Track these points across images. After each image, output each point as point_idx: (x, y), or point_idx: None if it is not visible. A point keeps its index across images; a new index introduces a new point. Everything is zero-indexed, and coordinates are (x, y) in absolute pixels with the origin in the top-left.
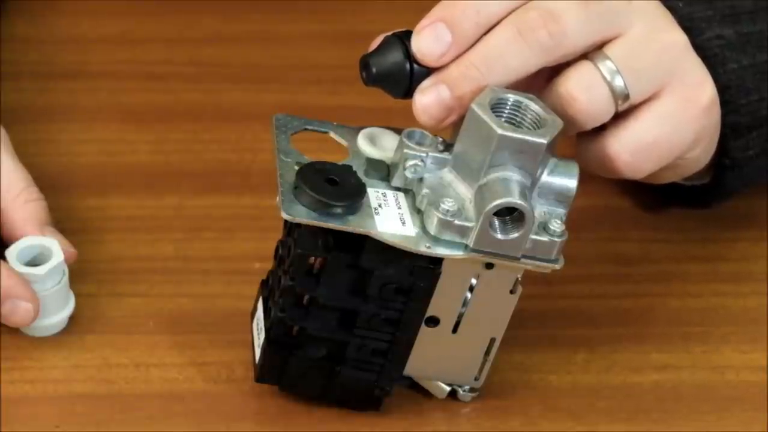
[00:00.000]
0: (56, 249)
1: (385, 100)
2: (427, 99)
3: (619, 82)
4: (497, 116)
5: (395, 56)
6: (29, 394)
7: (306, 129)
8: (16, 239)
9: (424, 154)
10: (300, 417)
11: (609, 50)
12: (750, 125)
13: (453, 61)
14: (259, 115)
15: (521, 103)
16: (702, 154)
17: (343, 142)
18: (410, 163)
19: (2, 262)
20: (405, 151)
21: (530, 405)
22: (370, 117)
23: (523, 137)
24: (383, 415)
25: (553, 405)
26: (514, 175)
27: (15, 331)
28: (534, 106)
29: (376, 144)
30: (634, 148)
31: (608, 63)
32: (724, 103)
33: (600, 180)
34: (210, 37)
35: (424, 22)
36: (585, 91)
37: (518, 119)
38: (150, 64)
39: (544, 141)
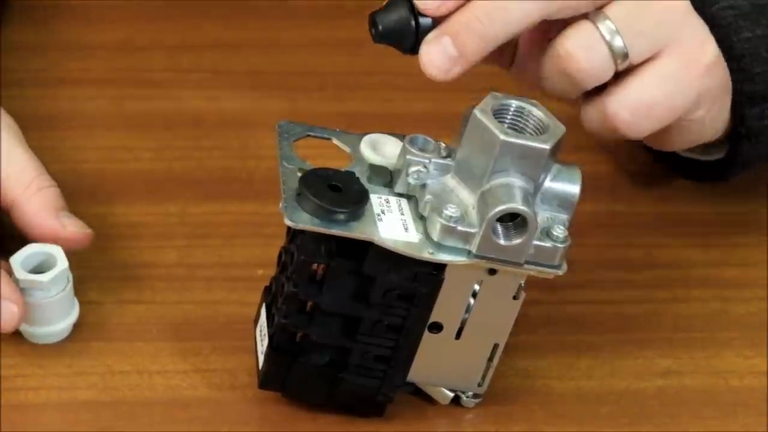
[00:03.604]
0: (61, 256)
1: (387, 106)
2: (432, 51)
3: (618, 42)
4: (500, 122)
5: (401, 12)
6: (32, 401)
7: (309, 136)
8: (32, 228)
9: (426, 160)
10: (303, 423)
11: (609, 10)
12: (765, 94)
13: (456, 11)
14: (261, 121)
15: (524, 108)
16: (707, 115)
17: (346, 149)
18: (413, 169)
19: None
20: (408, 157)
21: (533, 411)
22: (372, 123)
23: (526, 143)
24: (386, 422)
25: (556, 411)
26: (517, 181)
27: (18, 339)
28: (536, 112)
29: (378, 150)
30: (634, 106)
31: (608, 23)
32: (738, 71)
33: (603, 186)
34: (212, 44)
35: None
36: (584, 51)
37: (521, 125)
38: (152, 71)
39: (546, 147)
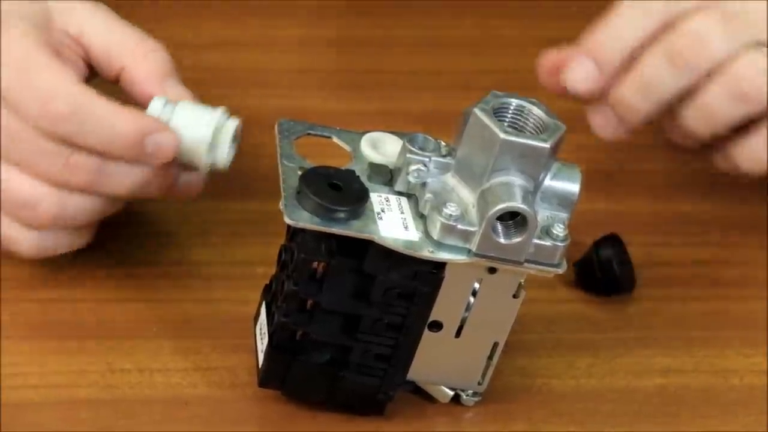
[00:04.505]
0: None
1: (387, 104)
2: (597, 118)
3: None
4: (500, 120)
5: None
6: (33, 399)
7: (309, 134)
8: (138, 98)
9: (426, 159)
10: (303, 422)
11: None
12: None
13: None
14: (261, 120)
15: (524, 107)
16: None
17: (346, 147)
18: (413, 167)
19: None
20: (408, 155)
21: (533, 409)
22: (373, 122)
23: (526, 142)
24: (387, 420)
25: (556, 409)
26: (517, 180)
27: (18, 337)
28: (536, 111)
29: (379, 149)
30: None
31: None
32: None
33: (602, 184)
34: (212, 43)
35: (571, 53)
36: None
37: (521, 124)
38: None
39: (546, 145)
